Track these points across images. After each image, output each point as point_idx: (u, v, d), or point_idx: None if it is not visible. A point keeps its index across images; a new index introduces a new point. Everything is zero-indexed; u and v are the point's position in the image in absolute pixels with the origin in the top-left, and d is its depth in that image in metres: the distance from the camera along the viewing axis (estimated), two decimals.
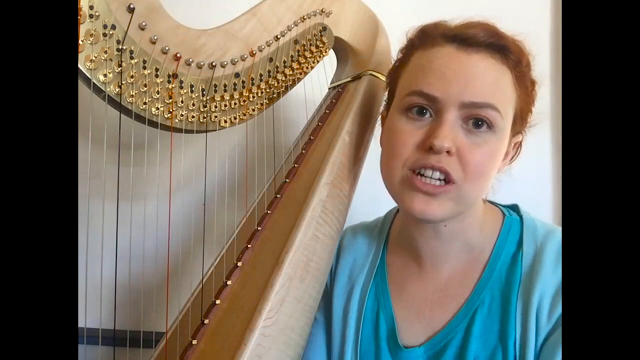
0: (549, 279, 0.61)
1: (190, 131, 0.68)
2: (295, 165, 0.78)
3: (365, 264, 0.74)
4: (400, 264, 0.72)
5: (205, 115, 0.68)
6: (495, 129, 0.60)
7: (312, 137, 0.81)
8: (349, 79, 0.86)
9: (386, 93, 0.72)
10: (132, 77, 0.61)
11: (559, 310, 0.59)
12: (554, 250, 0.63)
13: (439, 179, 0.60)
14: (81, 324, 0.48)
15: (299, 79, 0.79)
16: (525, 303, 0.61)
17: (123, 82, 0.60)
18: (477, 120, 0.59)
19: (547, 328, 0.59)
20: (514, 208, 0.71)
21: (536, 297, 0.60)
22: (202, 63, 0.66)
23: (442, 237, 0.66)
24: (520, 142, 0.67)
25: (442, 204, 0.60)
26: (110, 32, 0.58)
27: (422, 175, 0.60)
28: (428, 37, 0.64)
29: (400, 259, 0.72)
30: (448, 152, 0.59)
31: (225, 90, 0.70)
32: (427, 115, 0.61)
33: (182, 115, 0.66)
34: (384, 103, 0.73)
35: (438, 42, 0.62)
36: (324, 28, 0.80)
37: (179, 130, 0.67)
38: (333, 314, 0.72)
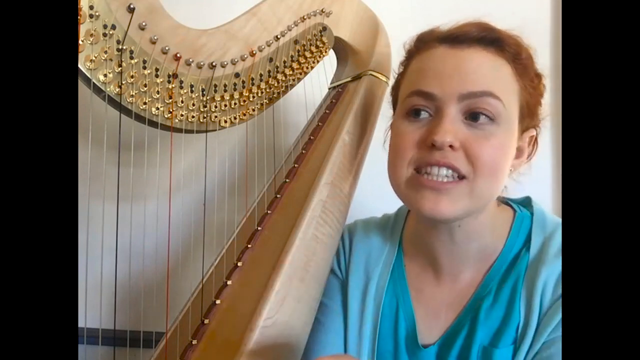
0: (555, 264, 0.60)
1: (190, 131, 0.68)
2: (295, 165, 0.78)
3: (380, 258, 0.72)
4: (417, 269, 0.71)
5: (205, 115, 0.68)
6: (498, 120, 0.58)
7: (312, 137, 0.81)
8: (349, 79, 0.86)
9: (391, 106, 0.72)
10: (132, 77, 0.61)
11: (559, 290, 0.59)
12: (561, 240, 0.62)
13: (447, 176, 0.59)
14: (81, 324, 0.48)
15: (299, 79, 0.79)
16: (529, 289, 0.61)
17: (123, 82, 0.60)
18: (477, 113, 0.58)
19: (549, 306, 0.59)
20: (526, 201, 0.70)
21: (540, 283, 0.60)
22: (202, 63, 0.66)
23: (457, 239, 0.65)
24: (536, 138, 0.66)
25: (453, 200, 0.59)
26: (110, 32, 0.58)
27: (428, 174, 0.59)
28: (424, 42, 0.65)
29: (416, 264, 0.71)
30: (452, 147, 0.58)
31: (225, 90, 0.70)
32: (427, 115, 0.61)
33: (182, 115, 0.66)
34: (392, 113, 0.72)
35: (432, 45, 0.63)
36: (324, 28, 0.80)
37: (179, 130, 0.67)
38: (349, 309, 0.71)
